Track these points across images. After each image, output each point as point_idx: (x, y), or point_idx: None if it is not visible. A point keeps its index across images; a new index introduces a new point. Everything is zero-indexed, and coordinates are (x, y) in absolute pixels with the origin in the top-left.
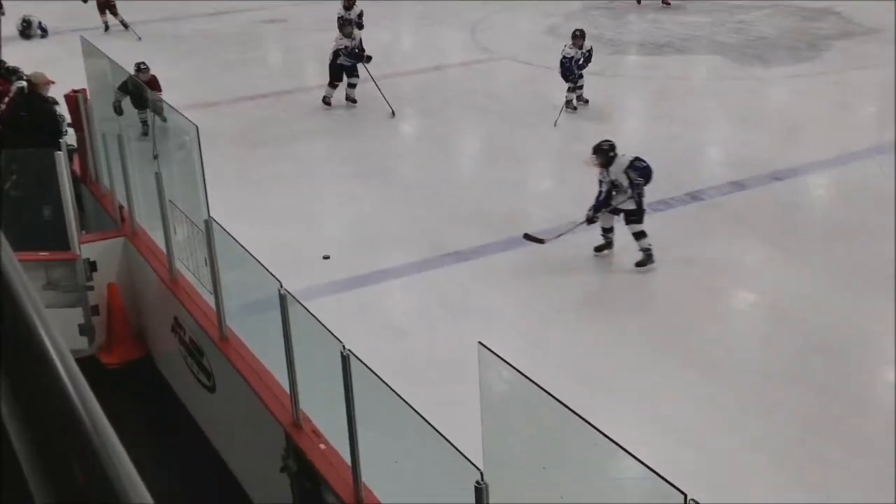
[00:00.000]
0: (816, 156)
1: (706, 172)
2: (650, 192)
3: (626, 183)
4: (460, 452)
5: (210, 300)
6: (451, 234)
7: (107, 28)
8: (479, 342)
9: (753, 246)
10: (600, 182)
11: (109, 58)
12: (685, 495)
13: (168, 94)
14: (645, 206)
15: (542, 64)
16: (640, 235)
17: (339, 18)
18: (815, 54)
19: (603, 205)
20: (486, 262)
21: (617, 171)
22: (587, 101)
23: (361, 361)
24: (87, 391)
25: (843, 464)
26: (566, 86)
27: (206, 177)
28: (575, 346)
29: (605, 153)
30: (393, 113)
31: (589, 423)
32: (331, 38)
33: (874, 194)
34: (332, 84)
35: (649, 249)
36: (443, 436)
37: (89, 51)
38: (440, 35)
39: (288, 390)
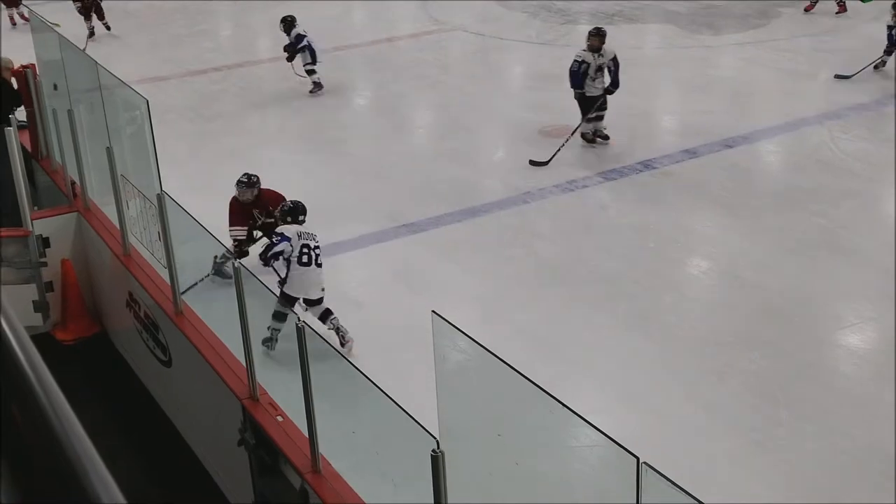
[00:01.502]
0: (767, 122)
1: (658, 141)
2: (602, 162)
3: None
4: (416, 421)
5: (164, 274)
6: (406, 205)
7: (92, 34)
8: (433, 311)
9: (706, 213)
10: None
11: (58, 32)
12: (638, 459)
13: (117, 69)
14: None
15: (493, 34)
16: (324, 316)
17: None
18: (765, 21)
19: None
20: (440, 234)
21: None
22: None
23: (317, 333)
24: (43, 370)
25: (796, 427)
26: None
27: (158, 152)
28: (530, 315)
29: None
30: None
31: (544, 391)
32: (283, 10)
33: (824, 160)
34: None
35: (341, 329)
36: (398, 405)
37: (38, 25)
38: (391, 7)
39: (244, 363)
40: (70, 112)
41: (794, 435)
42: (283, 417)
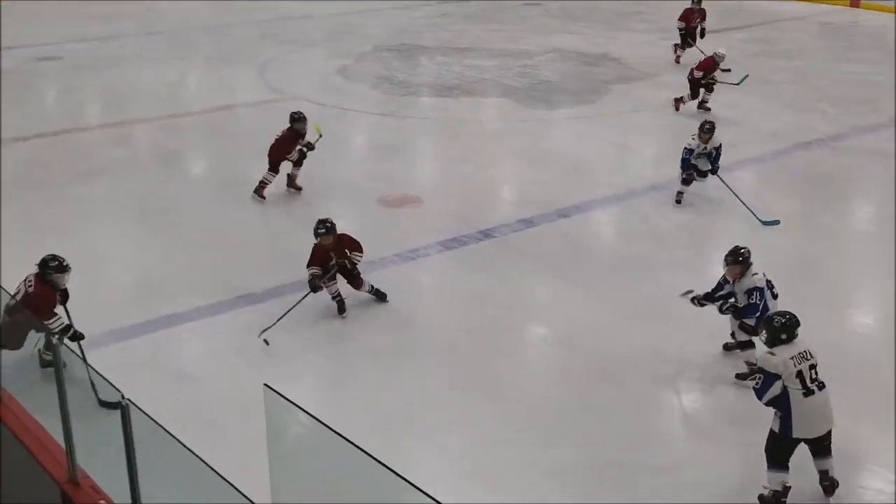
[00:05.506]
0: (598, 193)
1: (496, 210)
2: (442, 231)
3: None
4: (247, 498)
5: None
6: (244, 276)
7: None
8: (265, 384)
9: (542, 280)
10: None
11: None
12: None
13: None
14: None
15: (334, 104)
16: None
17: None
18: (595, 97)
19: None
20: (279, 304)
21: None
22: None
23: (141, 410)
24: None
25: (626, 487)
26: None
27: None
28: (368, 382)
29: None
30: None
31: (377, 461)
32: (111, 76)
33: (653, 229)
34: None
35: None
36: (228, 481)
37: None
38: (230, 75)
39: (64, 447)
40: None
41: (625, 494)
42: (105, 501)
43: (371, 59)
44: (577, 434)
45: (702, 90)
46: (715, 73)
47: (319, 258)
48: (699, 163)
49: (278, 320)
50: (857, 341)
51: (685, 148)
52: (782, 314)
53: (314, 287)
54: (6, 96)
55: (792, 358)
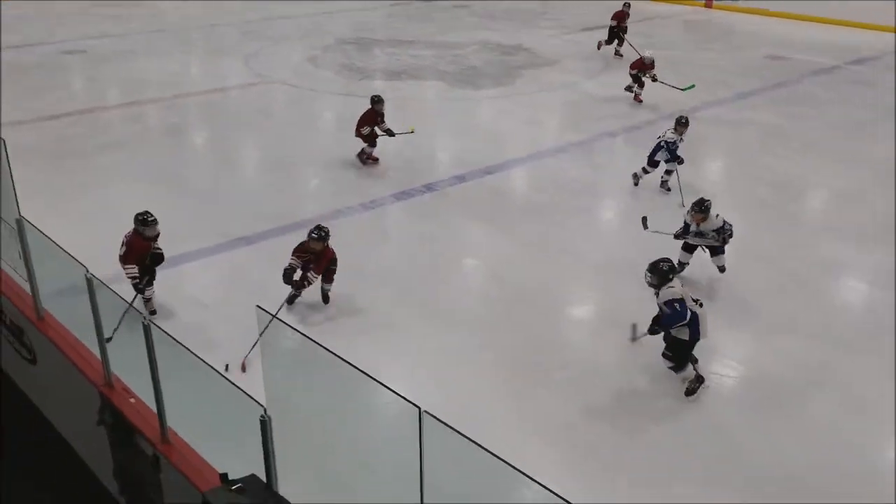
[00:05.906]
0: (515, 155)
1: (436, 169)
2: (395, 185)
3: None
4: (245, 393)
5: (27, 287)
6: (238, 224)
7: None
8: (257, 306)
9: (472, 224)
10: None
11: None
12: (419, 409)
13: None
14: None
15: (306, 87)
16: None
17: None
18: (511, 80)
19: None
20: (268, 244)
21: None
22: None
23: (160, 328)
24: None
25: (541, 380)
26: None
27: (18, 187)
28: (338, 304)
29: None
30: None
31: (346, 362)
32: (126, 66)
33: (556, 182)
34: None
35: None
36: (230, 381)
37: None
38: (222, 64)
39: (100, 357)
40: None
41: (533, 397)
42: (135, 399)
43: (335, 50)
44: (502, 341)
45: (646, 85)
46: (652, 71)
47: (301, 252)
48: (660, 154)
49: (252, 348)
50: (711, 270)
51: (666, 142)
52: (664, 260)
53: (285, 278)
54: (37, 83)
55: (682, 287)
